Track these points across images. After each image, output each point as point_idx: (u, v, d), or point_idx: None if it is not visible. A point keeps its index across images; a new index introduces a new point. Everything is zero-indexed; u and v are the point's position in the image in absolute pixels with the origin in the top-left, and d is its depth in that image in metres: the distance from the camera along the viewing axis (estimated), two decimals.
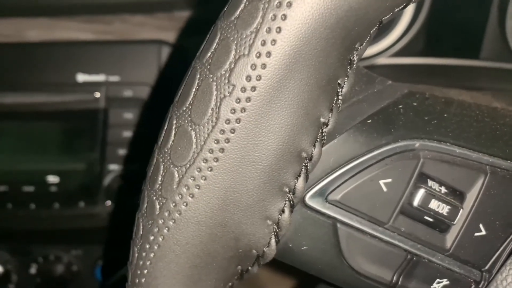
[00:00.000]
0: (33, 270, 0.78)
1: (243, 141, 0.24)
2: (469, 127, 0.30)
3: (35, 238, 0.76)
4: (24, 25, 0.69)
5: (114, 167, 0.66)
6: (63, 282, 0.77)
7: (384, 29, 0.80)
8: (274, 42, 0.23)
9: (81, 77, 0.65)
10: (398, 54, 0.80)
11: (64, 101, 0.65)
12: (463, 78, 0.78)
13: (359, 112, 0.29)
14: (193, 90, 0.25)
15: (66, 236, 0.74)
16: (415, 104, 0.30)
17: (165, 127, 0.26)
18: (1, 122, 0.66)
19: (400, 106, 0.29)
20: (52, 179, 0.66)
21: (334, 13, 0.23)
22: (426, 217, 0.28)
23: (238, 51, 0.23)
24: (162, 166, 0.25)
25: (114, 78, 0.65)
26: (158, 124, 0.69)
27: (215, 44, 0.24)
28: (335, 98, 0.26)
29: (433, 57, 0.81)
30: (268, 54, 0.23)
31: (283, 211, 0.26)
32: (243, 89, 0.23)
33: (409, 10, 0.77)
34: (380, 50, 0.80)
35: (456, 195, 0.29)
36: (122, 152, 0.65)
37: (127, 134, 0.65)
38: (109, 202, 0.67)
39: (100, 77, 0.65)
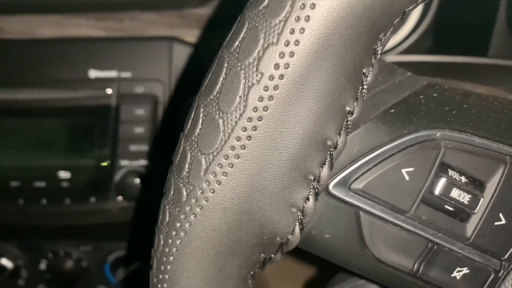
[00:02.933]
0: (43, 266, 0.78)
1: (270, 129, 0.25)
2: (488, 117, 0.30)
3: (45, 234, 0.76)
4: (36, 22, 0.70)
5: (126, 163, 0.66)
6: (73, 278, 0.78)
7: None
8: (302, 30, 0.23)
9: (93, 73, 0.65)
10: (407, 51, 0.81)
11: (76, 97, 0.66)
12: (471, 76, 0.79)
13: (382, 101, 0.29)
14: (221, 78, 0.25)
15: (76, 232, 0.75)
16: (435, 95, 0.30)
17: (192, 116, 0.26)
18: (14, 118, 0.66)
19: (421, 96, 0.30)
20: (64, 174, 0.66)
21: (361, 2, 0.23)
22: (447, 206, 0.29)
23: (266, 39, 0.24)
24: (189, 154, 0.26)
25: (126, 74, 0.65)
26: (169, 120, 0.70)
27: (243, 33, 0.25)
28: (360, 87, 0.26)
29: (441, 54, 0.81)
30: (297, 42, 0.23)
31: (307, 199, 0.27)
32: (271, 77, 0.24)
33: (418, 8, 0.77)
34: (389, 47, 0.80)
35: (477, 185, 0.29)
36: (133, 148, 0.66)
37: (139, 130, 0.65)
38: (120, 198, 0.67)
39: (112, 73, 0.65)
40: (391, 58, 0.82)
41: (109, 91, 0.65)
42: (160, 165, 0.66)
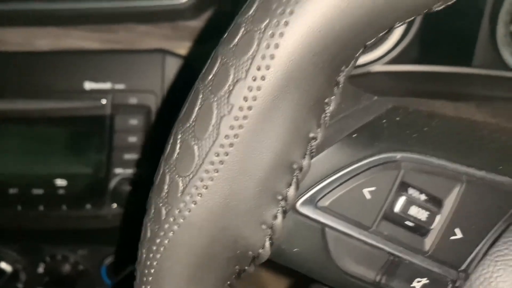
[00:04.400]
0: (41, 269, 0.81)
1: (240, 154, 0.27)
2: (447, 139, 0.33)
3: (43, 239, 0.79)
4: (35, 34, 0.72)
5: (120, 171, 0.69)
6: (70, 281, 0.81)
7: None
8: (268, 67, 0.26)
9: (88, 85, 0.68)
10: (394, 61, 0.83)
11: (72, 108, 0.68)
12: (456, 85, 0.81)
13: (346, 126, 0.32)
14: (196, 108, 0.27)
15: (73, 237, 0.77)
16: (398, 118, 0.33)
17: (171, 141, 0.29)
18: (13, 127, 0.69)
19: (384, 120, 0.32)
20: (60, 182, 0.69)
21: (322, 42, 0.26)
22: (406, 222, 0.31)
23: (236, 75, 0.26)
24: (168, 176, 0.28)
25: (119, 86, 0.68)
26: (161, 130, 0.72)
27: (216, 68, 0.27)
28: (323, 116, 0.29)
29: (427, 64, 0.83)
30: (263, 77, 0.26)
31: (276, 216, 0.29)
32: (241, 108, 0.26)
33: None
34: (376, 57, 0.82)
35: (435, 202, 0.32)
36: (127, 156, 0.68)
37: (132, 139, 0.68)
38: (115, 205, 0.70)
39: (106, 85, 0.68)
40: (378, 68, 0.84)
41: (103, 101, 0.68)
42: (153, 173, 0.69)
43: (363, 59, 0.82)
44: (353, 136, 0.32)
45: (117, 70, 0.68)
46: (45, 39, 0.73)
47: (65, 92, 0.68)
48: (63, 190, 0.69)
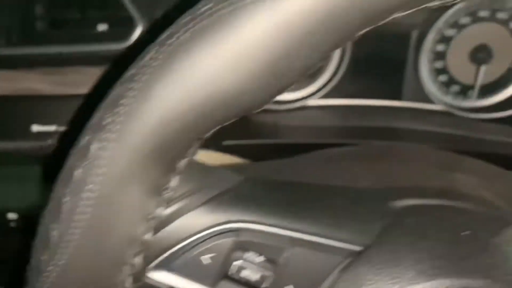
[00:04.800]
0: None
1: (89, 234, 0.33)
2: (284, 209, 0.39)
3: (3, 264, 0.86)
4: None
5: None
6: None
7: (314, 73, 0.88)
8: (104, 166, 0.32)
9: (35, 128, 0.74)
10: (329, 95, 0.88)
11: (20, 148, 0.75)
12: (386, 119, 0.87)
13: (191, 202, 0.38)
14: (55, 199, 0.34)
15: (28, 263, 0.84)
16: (241, 191, 0.39)
17: (38, 226, 0.35)
18: None
19: (228, 194, 0.38)
20: (12, 216, 0.76)
21: (147, 149, 0.31)
22: (243, 282, 0.37)
23: (83, 173, 0.32)
24: (35, 255, 0.35)
25: (63, 128, 0.74)
26: None
27: (66, 168, 0.33)
28: (161, 199, 0.35)
29: (361, 98, 0.89)
30: (103, 174, 0.32)
31: (125, 283, 0.35)
32: (87, 199, 0.32)
33: (336, 54, 0.85)
34: (312, 92, 0.88)
35: (269, 263, 0.38)
36: None
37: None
38: None
39: (51, 128, 0.74)
40: (313, 102, 0.90)
41: (49, 142, 0.74)
42: None
43: (299, 94, 0.88)
44: (198, 208, 0.38)
45: (62, 113, 0.75)
46: (2, 82, 0.80)
47: (14, 134, 0.75)
48: (14, 223, 0.76)
